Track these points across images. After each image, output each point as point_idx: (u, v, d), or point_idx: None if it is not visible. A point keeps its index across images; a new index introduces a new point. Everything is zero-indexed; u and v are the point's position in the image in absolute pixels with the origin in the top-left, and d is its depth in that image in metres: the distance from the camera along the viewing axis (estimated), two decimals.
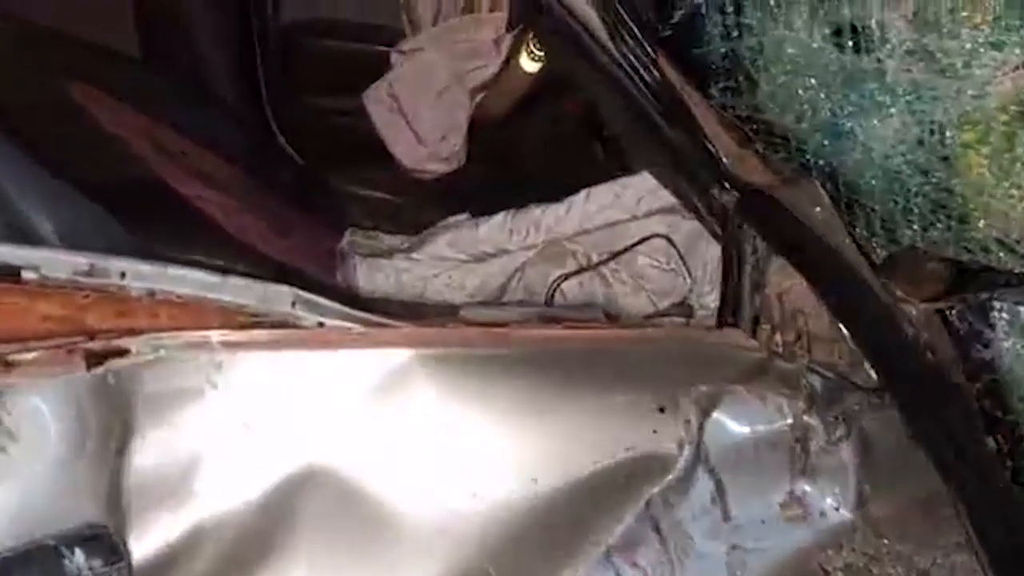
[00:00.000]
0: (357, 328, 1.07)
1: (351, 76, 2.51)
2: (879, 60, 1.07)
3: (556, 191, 1.80)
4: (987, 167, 1.00)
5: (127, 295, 1.00)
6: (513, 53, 2.03)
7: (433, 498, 1.02)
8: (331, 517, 0.99)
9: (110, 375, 0.91)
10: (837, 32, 1.12)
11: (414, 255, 1.76)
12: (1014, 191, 0.98)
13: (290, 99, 2.57)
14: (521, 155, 2.28)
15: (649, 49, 1.27)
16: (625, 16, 1.27)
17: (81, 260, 0.97)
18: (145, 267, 1.01)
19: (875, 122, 1.11)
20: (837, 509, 1.19)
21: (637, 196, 1.63)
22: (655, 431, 1.08)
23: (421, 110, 2.14)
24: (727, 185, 1.32)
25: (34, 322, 0.95)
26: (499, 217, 1.73)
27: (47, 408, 0.86)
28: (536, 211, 1.70)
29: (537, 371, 1.09)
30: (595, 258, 1.69)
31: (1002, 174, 0.98)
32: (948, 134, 1.03)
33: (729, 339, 1.19)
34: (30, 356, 0.86)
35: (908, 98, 1.06)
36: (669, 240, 1.66)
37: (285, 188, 2.24)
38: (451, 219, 1.90)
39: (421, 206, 2.23)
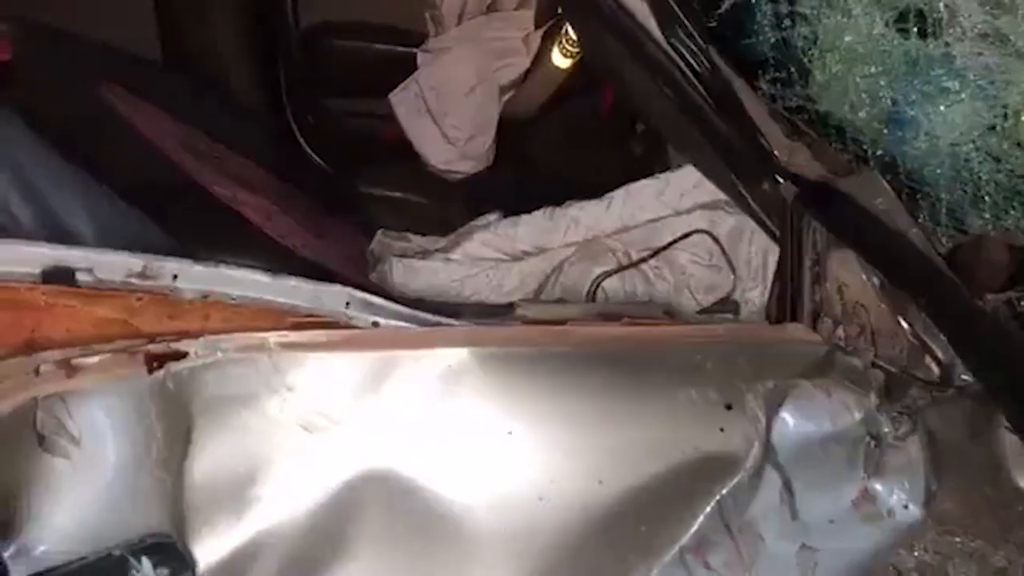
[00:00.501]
0: (413, 327, 1.05)
1: (371, 78, 2.50)
2: (947, 44, 1.04)
3: (586, 188, 1.78)
4: None
5: (179, 297, 0.98)
6: (543, 50, 2.01)
7: (499, 501, 0.99)
8: (394, 520, 0.97)
9: (170, 380, 0.88)
10: (901, 18, 1.08)
11: (451, 255, 1.73)
12: None
13: (311, 103, 2.56)
14: (550, 152, 2.26)
15: (700, 40, 1.24)
16: (675, 6, 1.24)
17: (135, 261, 0.95)
18: (198, 268, 0.99)
19: (942, 108, 1.08)
20: (906, 507, 1.15)
21: (680, 191, 1.60)
22: (722, 429, 1.05)
23: (449, 110, 2.11)
24: (780, 178, 1.29)
25: (88, 325, 0.92)
26: (537, 215, 1.70)
27: (110, 414, 0.84)
28: (575, 208, 1.68)
29: (599, 369, 1.06)
30: (635, 255, 1.66)
31: None
32: (1023, 119, 1.00)
33: (792, 334, 1.16)
34: (94, 360, 0.83)
35: (980, 83, 1.03)
36: (712, 236, 1.64)
37: (311, 191, 2.22)
38: (484, 218, 1.88)
39: (447, 206, 2.22)
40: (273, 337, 0.96)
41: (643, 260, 1.64)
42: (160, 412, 0.88)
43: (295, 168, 2.34)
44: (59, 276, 0.90)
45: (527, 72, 2.05)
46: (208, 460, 0.90)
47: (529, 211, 1.79)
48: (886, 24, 1.10)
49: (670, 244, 1.63)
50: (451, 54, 2.12)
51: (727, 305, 1.61)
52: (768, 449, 1.07)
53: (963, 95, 1.05)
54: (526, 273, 1.68)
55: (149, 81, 1.98)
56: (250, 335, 0.95)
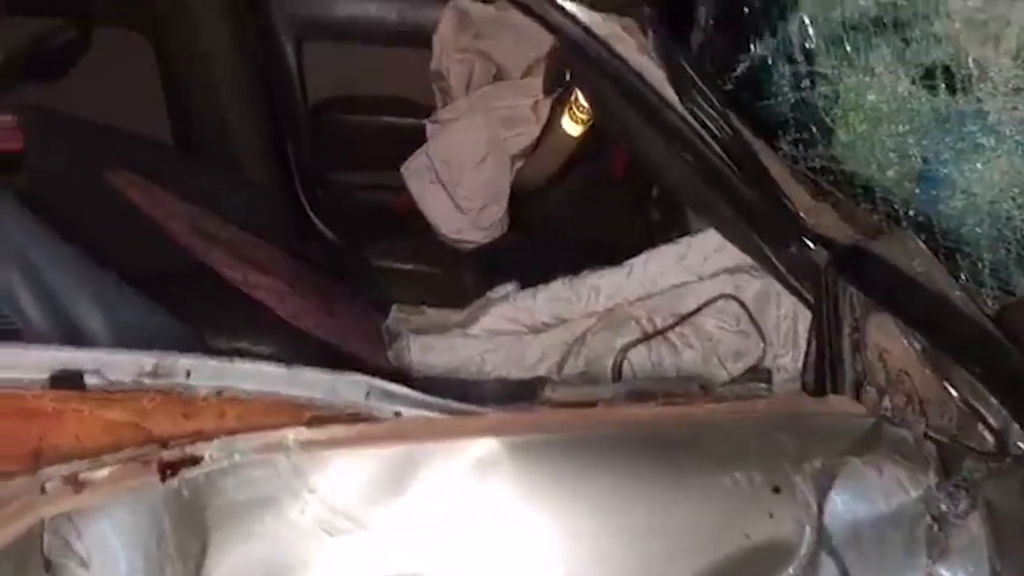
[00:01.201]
0: (437, 417, 0.99)
1: (379, 151, 2.50)
2: (979, 100, 1.01)
3: (602, 255, 1.75)
4: None
5: (193, 395, 0.93)
6: (553, 117, 2.00)
7: None
8: None
9: (184, 487, 0.83)
10: (928, 74, 1.06)
11: (469, 330, 1.69)
12: None
13: (321, 177, 2.56)
14: (563, 219, 2.23)
15: (718, 103, 1.22)
16: (690, 71, 1.22)
17: (147, 360, 0.90)
18: (211, 363, 0.94)
19: (978, 166, 1.04)
20: None
21: (703, 256, 1.56)
22: (771, 515, 0.98)
23: (461, 179, 2.09)
24: (808, 240, 1.25)
25: (98, 430, 0.87)
26: (556, 285, 1.66)
27: (121, 531, 0.78)
28: (594, 277, 1.64)
29: (635, 455, 1.00)
30: (660, 323, 1.61)
31: None
32: None
33: (836, 407, 1.10)
34: (103, 473, 0.78)
35: (1017, 138, 0.99)
36: (738, 300, 1.59)
37: (322, 266, 2.19)
38: (499, 289, 1.84)
39: (460, 276, 2.18)
40: (292, 435, 0.91)
41: (668, 328, 1.59)
42: (175, 524, 0.82)
43: (306, 243, 2.32)
44: (67, 380, 0.86)
45: (538, 140, 2.03)
46: (225, 570, 0.84)
47: (544, 279, 1.76)
48: (912, 81, 1.08)
49: (696, 311, 1.59)
50: (460, 124, 2.11)
51: (759, 373, 1.55)
52: (822, 534, 1.00)
53: (1000, 151, 1.01)
54: (547, 345, 1.63)
55: (158, 163, 1.98)
56: (267, 434, 0.90)
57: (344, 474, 0.91)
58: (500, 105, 2.08)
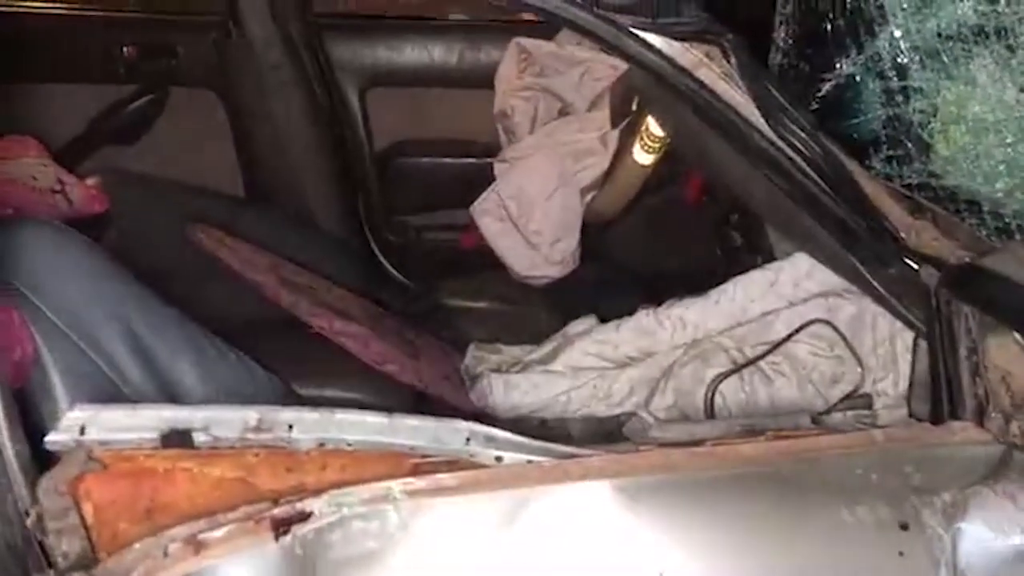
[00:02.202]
0: (544, 461, 0.97)
1: (444, 192, 2.52)
2: None
3: (678, 285, 1.71)
4: None
5: (296, 448, 0.93)
6: (622, 148, 1.98)
7: None
8: None
9: (297, 544, 0.82)
10: None
11: (550, 367, 1.66)
12: None
13: (390, 221, 2.59)
14: (635, 249, 2.20)
15: (807, 125, 1.18)
16: (777, 94, 1.19)
17: (251, 415, 0.90)
18: (312, 415, 0.94)
19: None
20: None
21: (793, 281, 1.51)
22: (901, 553, 0.93)
23: (531, 216, 2.08)
24: (909, 260, 1.20)
25: (207, 488, 0.87)
26: (639, 317, 1.63)
27: None
28: (679, 307, 1.60)
29: (752, 493, 0.96)
30: (749, 352, 1.56)
31: None
32: None
33: (959, 435, 1.04)
34: (220, 533, 0.77)
35: None
36: (831, 325, 1.53)
37: (396, 309, 2.20)
38: (578, 324, 1.81)
39: (533, 311, 2.16)
40: (398, 486, 0.90)
41: (760, 357, 1.54)
42: None
43: (378, 287, 2.34)
44: (177, 440, 0.86)
45: (608, 171, 2.01)
46: None
47: (619, 311, 1.72)
48: (1021, 89, 1.03)
49: (788, 337, 1.53)
50: (528, 162, 2.10)
51: (859, 399, 1.49)
52: (957, 572, 0.94)
53: None
54: (635, 380, 1.59)
55: (234, 216, 2.02)
56: (373, 486, 0.89)
57: (452, 522, 0.89)
58: (567, 140, 2.06)
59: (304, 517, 0.83)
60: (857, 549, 0.93)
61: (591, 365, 1.63)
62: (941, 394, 1.10)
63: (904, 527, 0.94)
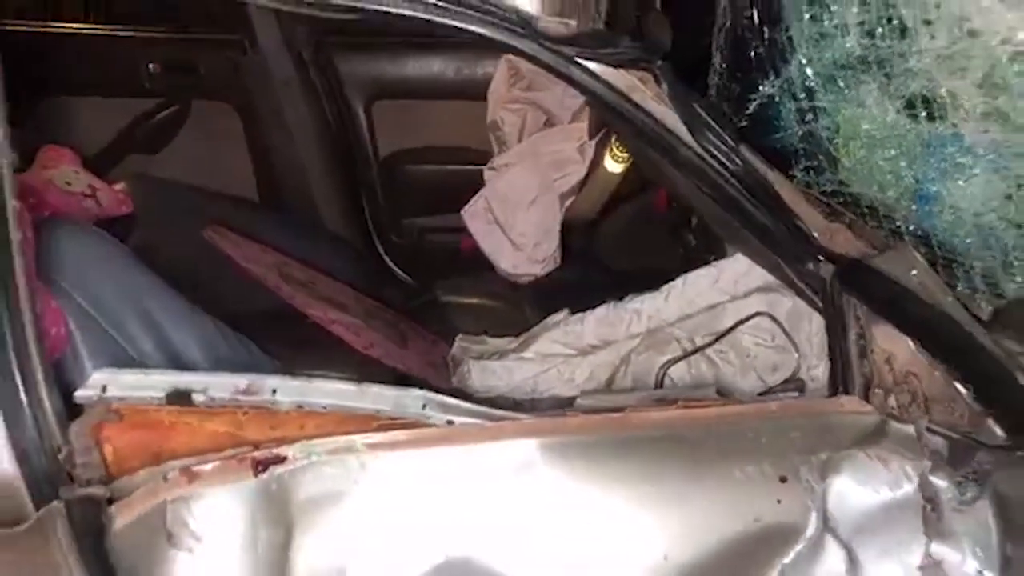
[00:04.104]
0: (483, 423, 1.16)
1: (445, 196, 2.71)
2: (954, 125, 1.12)
3: (648, 283, 1.88)
4: None
5: (278, 409, 1.12)
6: (597, 158, 2.16)
7: None
8: None
9: (273, 482, 1.01)
10: (909, 104, 1.18)
11: (523, 354, 1.85)
12: None
13: (393, 224, 2.79)
14: (612, 251, 2.38)
15: (729, 139, 1.36)
16: (702, 112, 1.36)
17: (241, 380, 1.10)
18: (293, 382, 1.13)
19: (960, 183, 1.15)
20: (981, 573, 1.16)
21: (734, 278, 1.68)
22: (779, 501, 1.10)
23: (516, 219, 2.27)
24: (822, 258, 1.37)
25: (204, 439, 1.07)
26: (601, 310, 1.81)
27: (223, 514, 0.97)
28: (636, 302, 1.78)
29: (657, 452, 1.13)
30: (699, 341, 1.74)
31: None
32: None
33: (843, 406, 1.22)
34: (209, 467, 0.97)
35: (990, 157, 1.10)
36: (772, 317, 1.70)
37: (396, 304, 2.40)
38: (554, 317, 2.00)
39: (520, 308, 2.35)
40: (360, 439, 1.09)
41: (707, 345, 1.71)
42: (265, 512, 1.01)
43: (381, 283, 2.54)
44: (179, 399, 1.06)
45: (585, 179, 2.20)
46: (304, 552, 1.02)
47: (595, 307, 1.90)
48: (897, 111, 1.20)
49: (732, 328, 1.70)
50: (514, 169, 2.30)
51: (792, 384, 1.65)
52: (827, 519, 1.11)
53: (977, 169, 1.12)
54: (595, 366, 1.77)
55: (248, 219, 2.23)
56: (339, 438, 1.08)
57: (404, 471, 1.08)
58: (549, 149, 2.25)
59: (280, 460, 1.03)
60: (742, 498, 1.10)
61: (558, 352, 1.81)
62: (835, 372, 1.27)
63: (783, 480, 1.11)
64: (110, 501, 0.93)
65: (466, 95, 2.63)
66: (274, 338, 1.73)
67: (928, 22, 1.10)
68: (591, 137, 2.19)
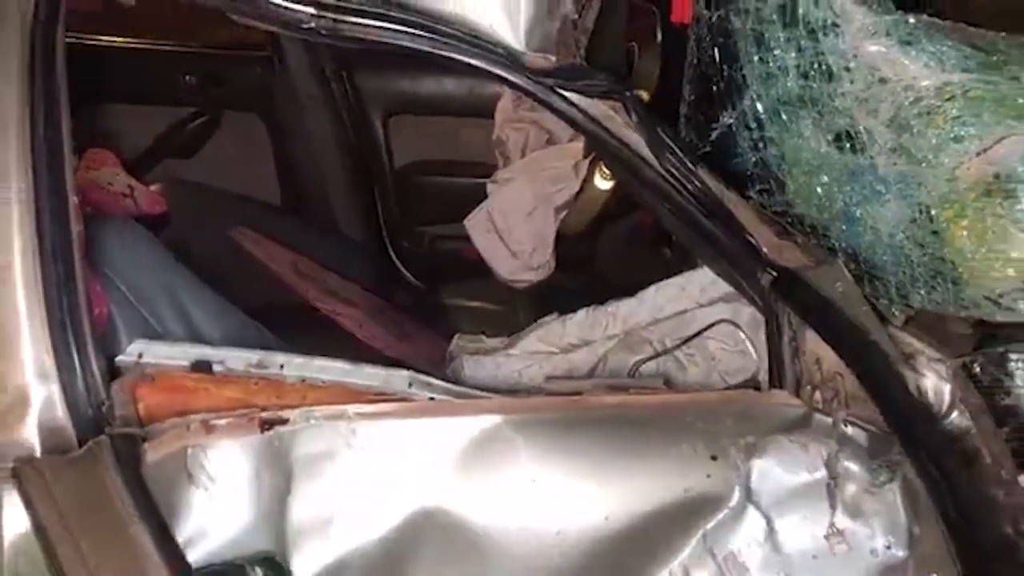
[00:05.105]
0: (458, 400, 1.35)
1: (454, 206, 2.91)
2: (871, 157, 1.30)
3: (629, 290, 2.06)
4: (967, 238, 1.19)
5: (284, 381, 1.32)
6: (589, 175, 2.35)
7: (525, 534, 1.25)
8: (443, 550, 1.24)
9: (276, 439, 1.21)
10: (837, 138, 1.36)
11: (510, 351, 2.03)
12: (990, 255, 1.17)
13: (406, 231, 3.00)
14: (603, 262, 2.57)
15: (688, 163, 1.54)
16: (666, 138, 1.55)
17: (253, 356, 1.31)
18: (298, 359, 1.34)
19: (877, 207, 1.33)
20: (889, 547, 1.32)
21: (700, 287, 1.86)
22: (708, 475, 1.28)
23: (514, 229, 2.46)
24: (770, 271, 1.54)
25: (220, 402, 1.27)
26: (581, 313, 1.99)
27: (235, 460, 1.17)
28: (613, 306, 1.96)
29: (608, 430, 1.32)
30: (669, 344, 1.91)
31: (979, 242, 1.18)
32: (933, 213, 1.23)
33: (775, 399, 1.39)
34: (223, 422, 1.17)
35: (899, 186, 1.28)
36: (735, 324, 1.87)
37: (404, 306, 2.61)
38: (545, 320, 2.19)
39: (517, 311, 2.55)
40: (352, 408, 1.28)
41: (675, 348, 1.89)
42: (269, 463, 1.20)
43: (391, 284, 2.75)
44: (202, 367, 1.26)
45: (578, 194, 2.39)
46: (301, 500, 1.21)
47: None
48: (828, 143, 1.38)
49: (698, 333, 1.88)
50: (514, 183, 2.49)
51: (750, 384, 1.82)
52: (750, 492, 1.29)
53: (888, 196, 1.30)
54: (575, 363, 1.95)
55: (270, 221, 2.45)
56: (334, 407, 1.28)
57: (388, 436, 1.28)
58: (547, 166, 2.45)
59: (283, 421, 1.22)
60: (676, 471, 1.28)
61: (542, 350, 2.00)
62: (771, 369, 1.44)
63: (714, 458, 1.29)
64: (143, 440, 1.14)
65: (477, 113, 2.82)
66: (288, 327, 1.93)
67: (848, 69, 1.28)
68: (585, 156, 2.38)
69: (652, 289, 1.92)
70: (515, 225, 2.45)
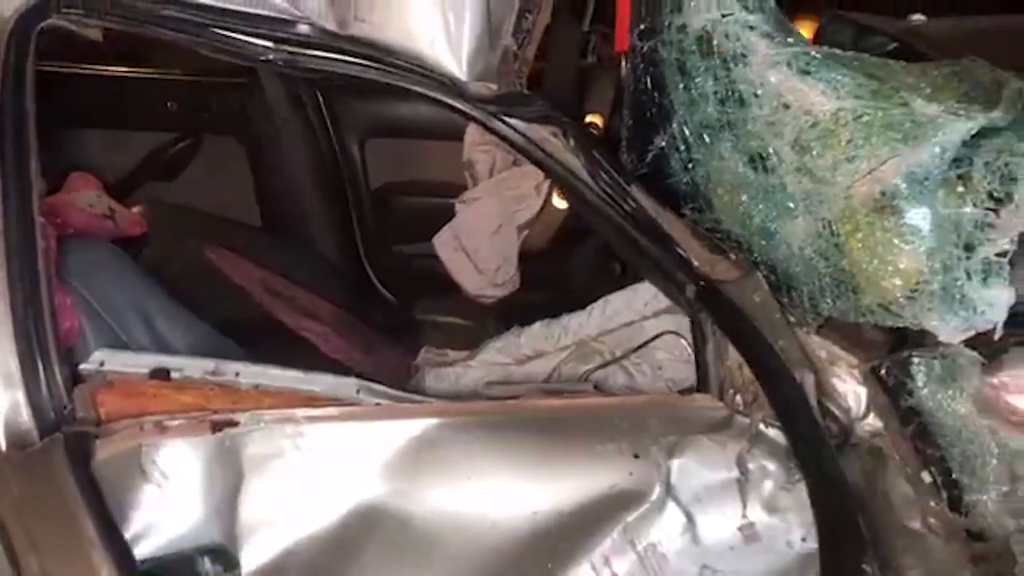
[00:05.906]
0: (400, 405, 1.45)
1: (430, 225, 3.02)
2: (781, 177, 1.41)
3: (586, 304, 2.16)
4: (861, 250, 1.29)
5: (239, 388, 1.42)
6: (549, 195, 2.47)
7: (461, 526, 1.34)
8: (384, 542, 1.33)
9: (227, 439, 1.30)
10: (751, 159, 1.46)
11: (470, 363, 2.13)
12: (881, 266, 1.27)
13: (382, 249, 3.11)
14: (565, 278, 2.68)
15: (623, 183, 1.65)
16: (602, 160, 1.65)
17: (209, 363, 1.41)
18: (254, 367, 1.44)
19: (789, 223, 1.43)
20: (805, 540, 1.42)
21: (644, 300, 1.96)
22: (631, 472, 1.37)
23: (479, 247, 2.57)
24: (703, 284, 1.65)
25: (178, 407, 1.37)
26: (537, 326, 2.09)
27: (186, 459, 1.26)
28: (565, 319, 2.06)
29: (539, 431, 1.42)
30: (618, 354, 2.01)
31: (871, 254, 1.28)
32: (835, 227, 1.34)
33: (698, 402, 1.49)
34: (176, 423, 1.27)
35: (805, 203, 1.38)
36: (680, 335, 1.97)
37: (377, 321, 2.71)
38: (507, 333, 2.29)
39: (484, 326, 2.65)
40: (300, 412, 1.38)
41: (623, 357, 1.99)
42: (220, 462, 1.30)
43: (365, 301, 2.86)
44: (160, 374, 1.36)
45: (539, 213, 2.50)
46: (250, 496, 1.31)
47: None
48: (744, 164, 1.48)
49: (644, 344, 1.98)
50: (480, 203, 2.60)
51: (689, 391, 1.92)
52: (669, 488, 1.38)
53: (797, 212, 1.40)
54: (529, 373, 2.05)
55: (245, 241, 2.56)
56: (284, 411, 1.38)
57: (333, 438, 1.37)
58: (511, 186, 2.56)
59: (233, 424, 1.32)
60: (601, 468, 1.38)
61: (499, 361, 2.10)
62: (698, 374, 1.54)
63: (636, 455, 1.38)
64: (96, 438, 1.24)
65: (450, 136, 2.93)
66: (256, 342, 2.03)
67: (756, 95, 1.39)
68: (545, 177, 2.49)
69: (601, 302, 2.03)
70: (481, 243, 2.56)
